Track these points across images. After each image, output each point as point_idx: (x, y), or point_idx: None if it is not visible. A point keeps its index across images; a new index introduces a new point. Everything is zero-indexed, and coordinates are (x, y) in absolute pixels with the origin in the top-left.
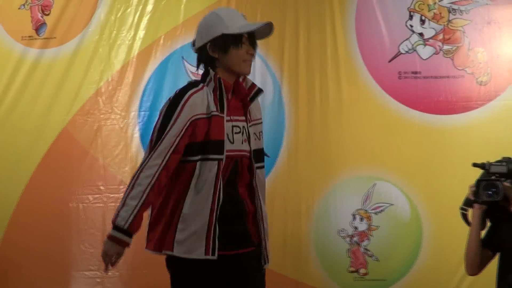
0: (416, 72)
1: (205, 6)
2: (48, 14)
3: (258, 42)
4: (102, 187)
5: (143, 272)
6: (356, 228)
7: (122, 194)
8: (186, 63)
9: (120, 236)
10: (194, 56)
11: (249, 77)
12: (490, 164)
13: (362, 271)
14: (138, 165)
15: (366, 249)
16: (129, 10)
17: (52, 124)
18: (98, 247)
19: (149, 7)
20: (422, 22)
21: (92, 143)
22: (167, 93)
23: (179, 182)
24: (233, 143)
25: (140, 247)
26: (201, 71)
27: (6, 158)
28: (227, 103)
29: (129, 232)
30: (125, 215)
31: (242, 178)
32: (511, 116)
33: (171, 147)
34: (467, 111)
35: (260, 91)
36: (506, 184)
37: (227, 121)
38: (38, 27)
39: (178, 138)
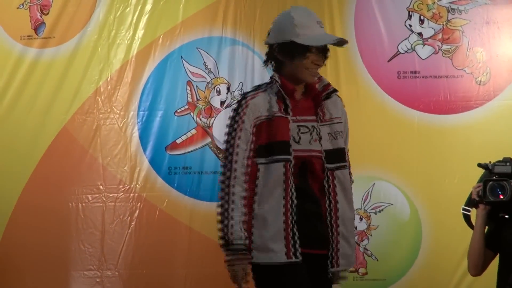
0: (415, 72)
1: (204, 6)
2: (47, 14)
3: (258, 41)
4: (101, 187)
5: (143, 272)
6: (355, 227)
7: (122, 193)
8: (185, 63)
9: (243, 252)
10: (193, 56)
11: (248, 76)
12: (494, 164)
13: (361, 270)
14: (222, 175)
15: (365, 249)
16: (128, 9)
17: (51, 124)
18: (97, 246)
19: (148, 7)
20: (421, 21)
21: (91, 142)
22: (166, 93)
23: (250, 184)
24: (299, 143)
25: (140, 247)
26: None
27: (5, 157)
28: (293, 103)
29: (247, 246)
30: (239, 230)
31: (314, 178)
32: (510, 116)
33: (247, 153)
34: (466, 110)
35: (334, 91)
36: None
37: (293, 121)
38: (37, 27)
39: (250, 143)
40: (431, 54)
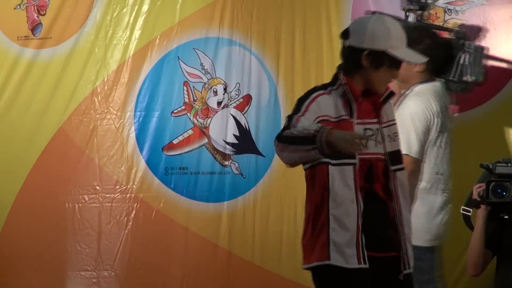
0: None
1: (201, 6)
2: (44, 14)
3: (255, 42)
4: (98, 187)
5: (139, 273)
6: None
7: (119, 194)
8: (182, 63)
9: (325, 127)
10: (190, 56)
11: (245, 77)
12: (495, 165)
13: None
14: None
15: None
16: (124, 10)
17: (48, 124)
18: (94, 247)
19: (145, 7)
20: (418, 22)
21: (88, 143)
22: (162, 93)
23: (316, 186)
24: (366, 146)
25: (136, 247)
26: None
27: (2, 157)
28: (357, 107)
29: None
30: (307, 125)
31: (378, 181)
32: (506, 116)
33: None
34: (463, 111)
35: (392, 93)
36: None
37: (358, 124)
38: (34, 27)
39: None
40: None
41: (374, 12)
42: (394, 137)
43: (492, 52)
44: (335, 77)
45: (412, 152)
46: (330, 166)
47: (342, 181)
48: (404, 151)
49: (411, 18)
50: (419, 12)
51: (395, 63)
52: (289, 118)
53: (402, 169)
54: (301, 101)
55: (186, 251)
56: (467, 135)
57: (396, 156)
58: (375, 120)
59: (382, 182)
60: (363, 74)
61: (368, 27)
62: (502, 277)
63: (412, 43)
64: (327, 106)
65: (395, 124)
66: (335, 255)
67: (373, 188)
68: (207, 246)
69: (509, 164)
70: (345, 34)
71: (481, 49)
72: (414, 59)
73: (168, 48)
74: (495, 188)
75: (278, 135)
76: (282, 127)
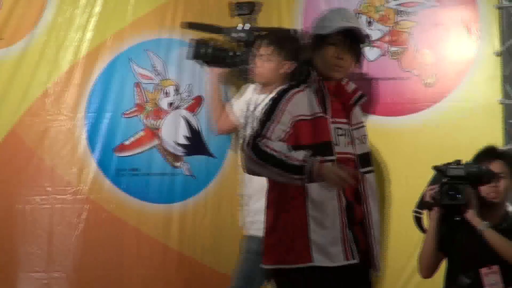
0: (362, 74)
1: (153, 7)
2: None
3: None
4: (49, 189)
5: (90, 274)
6: None
7: (70, 195)
8: (133, 65)
9: (317, 159)
10: (141, 58)
11: (196, 77)
12: (447, 167)
13: None
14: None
15: None
16: (76, 11)
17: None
18: (45, 248)
19: (97, 8)
20: (369, 24)
21: (39, 144)
22: (114, 94)
23: (288, 188)
24: (337, 145)
25: (87, 249)
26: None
27: None
28: (330, 104)
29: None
30: (295, 154)
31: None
32: (456, 118)
33: (283, 137)
34: (414, 112)
35: (363, 96)
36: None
37: (331, 122)
38: None
39: (284, 134)
40: (379, 56)
41: None
42: (363, 139)
43: (443, 53)
44: (307, 74)
45: None
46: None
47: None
48: None
49: (362, 20)
50: (248, 16)
51: (323, 40)
52: (262, 123)
53: (371, 171)
54: (275, 101)
55: (137, 252)
56: (418, 137)
57: (365, 159)
58: (345, 121)
59: (352, 186)
60: (315, 65)
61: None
62: (452, 280)
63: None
64: (303, 104)
65: (364, 126)
66: (318, 256)
67: (343, 189)
68: (158, 247)
69: (461, 166)
70: None
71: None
72: (324, 30)
73: (120, 49)
74: (448, 190)
75: (251, 143)
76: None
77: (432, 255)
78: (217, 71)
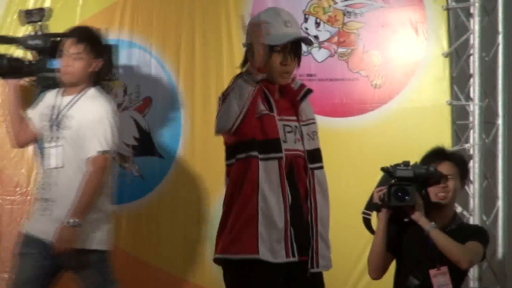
0: (311, 75)
1: (101, 8)
2: None
3: (154, 44)
4: None
5: None
6: None
7: (19, 196)
8: None
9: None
10: None
11: (145, 78)
12: (395, 168)
13: None
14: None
15: None
16: None
17: None
18: None
19: None
20: (317, 25)
21: None
22: None
23: (246, 180)
24: (286, 142)
25: None
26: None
27: None
28: (276, 102)
29: None
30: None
31: (299, 178)
32: (405, 119)
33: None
34: (361, 113)
35: (309, 91)
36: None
37: (278, 120)
38: None
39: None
40: (327, 57)
41: None
42: (313, 135)
43: (391, 54)
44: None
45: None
46: (259, 161)
47: (269, 175)
48: (101, 148)
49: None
50: (40, 23)
51: (272, 49)
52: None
53: (321, 167)
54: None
55: None
56: (367, 138)
57: (315, 155)
58: (293, 118)
59: (302, 179)
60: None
61: (249, 23)
62: (401, 282)
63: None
64: None
65: (314, 123)
66: (264, 250)
67: (297, 185)
68: None
69: (409, 168)
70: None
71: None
72: (274, 41)
73: None
74: (396, 191)
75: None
76: (182, 128)
77: (381, 256)
78: (13, 82)
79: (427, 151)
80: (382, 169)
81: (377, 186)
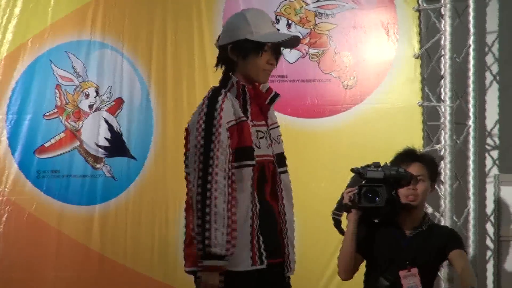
0: (282, 76)
1: (73, 9)
2: None
3: (126, 45)
4: None
5: (11, 276)
6: None
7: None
8: (54, 66)
9: (221, 263)
10: (62, 59)
11: (117, 80)
12: (366, 169)
13: None
14: (197, 186)
15: None
16: None
17: None
18: None
19: (17, 10)
20: (289, 26)
21: None
22: (34, 96)
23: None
24: (259, 148)
25: (8, 250)
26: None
27: None
28: (250, 108)
29: (227, 256)
30: (222, 242)
31: (268, 184)
32: (376, 120)
33: (227, 158)
34: (333, 114)
35: (277, 95)
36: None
37: (252, 126)
38: None
39: (229, 147)
40: (299, 58)
41: None
42: (278, 139)
43: (362, 55)
44: (226, 79)
45: None
46: (232, 169)
47: (240, 183)
48: None
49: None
50: None
51: (262, 48)
52: (207, 145)
53: (287, 171)
54: (209, 117)
55: (58, 253)
56: (338, 139)
57: (281, 159)
58: (263, 122)
59: (271, 184)
60: (239, 69)
61: (227, 24)
62: (371, 283)
63: None
64: (230, 109)
65: (278, 127)
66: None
67: (264, 190)
68: (79, 248)
69: (380, 169)
70: (217, 40)
71: None
72: (273, 38)
73: (40, 51)
74: (366, 193)
75: (204, 174)
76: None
77: (350, 257)
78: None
79: (398, 152)
80: (352, 170)
81: (347, 187)
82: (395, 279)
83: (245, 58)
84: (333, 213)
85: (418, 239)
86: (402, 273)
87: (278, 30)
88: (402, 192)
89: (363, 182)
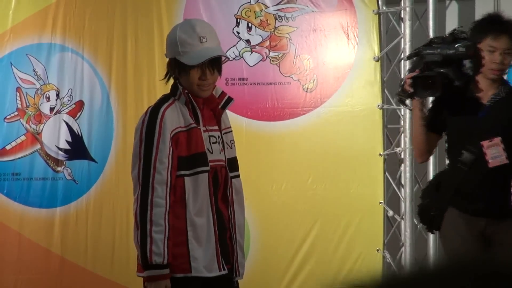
0: (243, 79)
1: (33, 12)
2: None
3: (87, 48)
4: None
5: None
6: None
7: None
8: (14, 69)
9: (163, 272)
10: (22, 62)
11: (77, 83)
12: (424, 51)
13: None
14: (137, 196)
15: None
16: None
17: None
18: None
19: None
20: (249, 29)
21: None
22: None
23: (175, 198)
24: (212, 153)
25: None
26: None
27: None
28: (201, 114)
29: (168, 264)
30: (159, 250)
31: (220, 189)
32: (336, 122)
33: (168, 167)
34: (293, 117)
35: (230, 99)
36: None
37: (204, 131)
38: None
39: (170, 156)
40: (259, 61)
41: None
42: (231, 144)
43: (322, 58)
44: (175, 87)
45: None
46: (185, 178)
47: (198, 190)
48: None
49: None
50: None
51: (188, 67)
52: (147, 155)
53: (238, 176)
54: (150, 125)
55: (18, 256)
56: (298, 142)
57: (233, 163)
58: (216, 128)
59: (223, 189)
60: (181, 81)
61: (167, 38)
62: (455, 159)
63: None
64: (176, 117)
65: (231, 131)
66: (198, 267)
67: (217, 195)
68: (40, 251)
69: (437, 49)
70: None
71: None
72: (193, 61)
73: (0, 53)
74: (422, 83)
75: (144, 185)
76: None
77: (422, 140)
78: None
79: (482, 18)
80: (408, 57)
81: (409, 71)
82: (479, 150)
83: (179, 74)
84: (398, 94)
85: (497, 107)
86: (485, 143)
87: (206, 43)
88: (487, 60)
89: (420, 69)
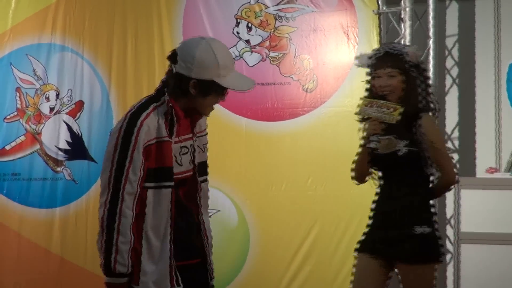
0: None
1: (34, 12)
2: None
3: (87, 48)
4: None
5: None
6: None
7: None
8: (14, 69)
9: (124, 280)
10: (22, 62)
11: (77, 83)
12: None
13: None
14: (106, 201)
15: None
16: None
17: None
18: None
19: None
20: (249, 29)
21: None
22: None
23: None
24: (181, 165)
25: None
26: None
27: None
28: (178, 125)
29: (129, 273)
30: (123, 261)
31: (189, 194)
32: (336, 122)
33: (139, 179)
34: (293, 117)
35: None
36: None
37: (176, 142)
38: None
39: (142, 168)
40: (259, 61)
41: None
42: (203, 147)
43: (322, 59)
44: (160, 92)
45: None
46: (148, 190)
47: (159, 204)
48: None
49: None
50: None
51: (223, 89)
52: (120, 163)
53: (206, 180)
54: (126, 134)
55: (18, 256)
56: (298, 142)
57: (203, 167)
58: (189, 136)
59: (191, 194)
60: (191, 99)
61: (196, 56)
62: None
63: None
64: (152, 128)
65: (206, 134)
66: (146, 281)
67: (183, 200)
68: (39, 251)
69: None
70: (173, 58)
71: None
72: (240, 86)
73: (0, 53)
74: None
75: (114, 193)
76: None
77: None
78: None
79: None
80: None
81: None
82: None
83: (205, 97)
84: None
85: None
86: None
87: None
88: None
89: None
